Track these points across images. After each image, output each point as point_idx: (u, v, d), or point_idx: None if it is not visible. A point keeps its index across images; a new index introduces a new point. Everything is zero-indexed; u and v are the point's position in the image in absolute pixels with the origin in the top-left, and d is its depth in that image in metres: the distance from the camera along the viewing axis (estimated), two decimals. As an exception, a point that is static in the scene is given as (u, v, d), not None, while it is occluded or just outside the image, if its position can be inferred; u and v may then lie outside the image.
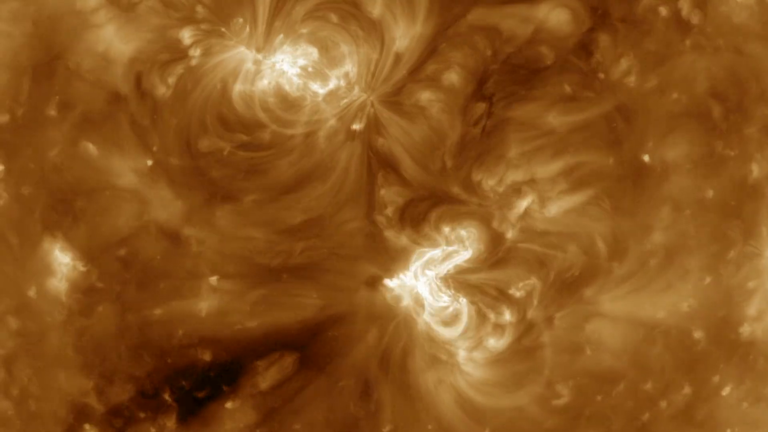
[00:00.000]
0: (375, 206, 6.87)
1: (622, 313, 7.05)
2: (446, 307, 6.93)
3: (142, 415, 6.93)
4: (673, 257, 7.07)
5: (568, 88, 6.87)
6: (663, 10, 6.95)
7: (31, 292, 6.82)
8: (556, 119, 6.87)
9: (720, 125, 7.05)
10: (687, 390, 7.15)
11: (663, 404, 7.14)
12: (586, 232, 6.96)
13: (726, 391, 7.21)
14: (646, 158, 6.97)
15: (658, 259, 7.04)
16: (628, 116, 6.96)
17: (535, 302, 6.93)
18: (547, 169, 6.88)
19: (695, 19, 6.97)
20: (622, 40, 6.93)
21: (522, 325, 6.96)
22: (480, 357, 6.98)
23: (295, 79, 6.80)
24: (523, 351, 7.00)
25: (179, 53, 6.76)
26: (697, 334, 7.14)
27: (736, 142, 7.08)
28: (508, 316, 6.90)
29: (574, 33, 6.89)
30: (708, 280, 7.11)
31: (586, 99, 6.91)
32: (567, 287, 6.98)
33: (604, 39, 6.93)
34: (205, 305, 6.83)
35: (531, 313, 6.96)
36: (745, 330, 7.18)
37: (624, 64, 6.92)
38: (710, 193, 7.08)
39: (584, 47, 6.91)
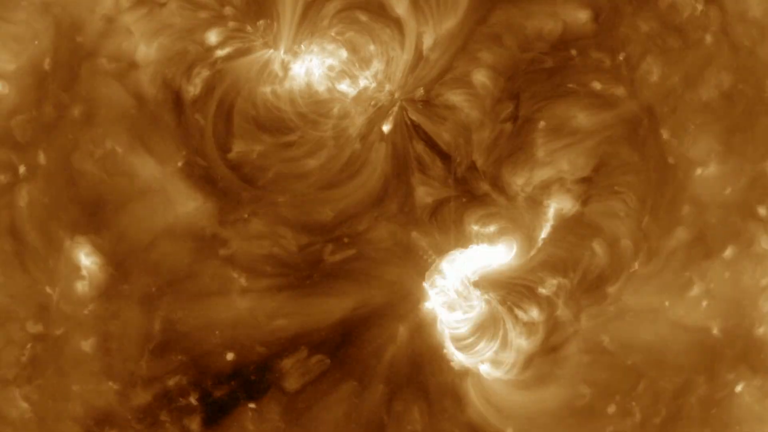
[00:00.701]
0: (405, 206, 6.86)
1: (644, 311, 7.08)
2: (474, 307, 6.93)
3: (165, 418, 6.88)
4: (693, 255, 7.10)
5: (597, 86, 6.89)
6: (683, 6, 6.99)
7: (55, 294, 6.76)
8: (583, 117, 6.88)
9: (738, 122, 7.10)
10: (704, 387, 7.19)
11: (680, 401, 7.18)
12: (612, 230, 6.98)
13: (739, 388, 7.26)
14: (670, 153, 7.01)
15: (679, 257, 7.08)
16: (651, 113, 6.99)
17: (563, 301, 6.95)
18: (575, 167, 6.90)
19: (713, 15, 7.02)
20: (645, 39, 6.97)
21: (549, 325, 6.97)
22: (508, 357, 6.98)
23: (324, 80, 6.78)
24: (549, 350, 7.01)
25: (206, 54, 6.73)
26: (715, 332, 7.18)
27: (750, 138, 7.13)
28: (536, 315, 6.91)
29: (599, 31, 6.91)
30: (726, 277, 7.16)
31: (612, 96, 6.93)
32: (592, 286, 7.00)
33: (628, 37, 6.95)
34: (234, 306, 6.79)
35: (558, 312, 6.97)
36: (760, 329, 7.24)
37: (648, 61, 6.95)
38: (728, 191, 7.12)
39: (609, 45, 6.93)
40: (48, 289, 6.79)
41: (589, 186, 6.91)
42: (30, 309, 6.78)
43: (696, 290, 7.11)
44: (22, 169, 6.71)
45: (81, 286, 6.77)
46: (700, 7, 6.99)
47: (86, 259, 6.75)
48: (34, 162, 6.73)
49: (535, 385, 7.06)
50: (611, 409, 7.09)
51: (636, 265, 7.01)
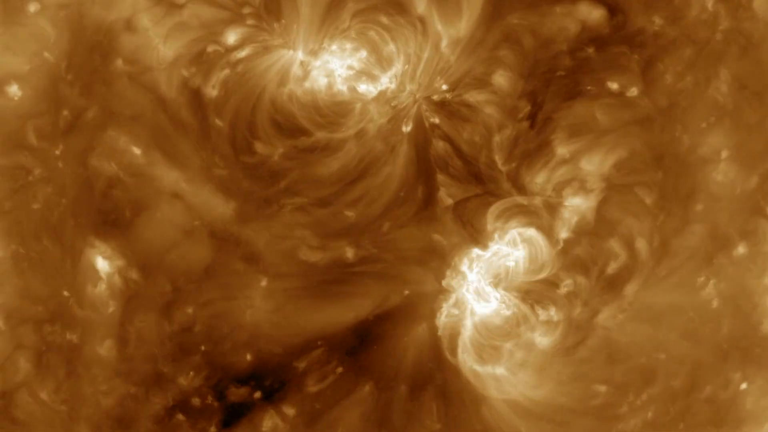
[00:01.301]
0: (426, 207, 6.87)
1: (658, 309, 7.12)
2: (495, 306, 6.95)
3: (182, 419, 6.86)
4: (705, 253, 7.15)
5: (614, 85, 6.92)
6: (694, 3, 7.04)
7: (72, 297, 6.73)
8: (601, 116, 6.91)
9: (750, 120, 7.16)
10: (712, 385, 7.24)
11: (691, 399, 7.22)
12: (628, 228, 7.02)
13: (744, 386, 7.31)
14: (684, 151, 7.05)
15: (692, 256, 7.12)
16: (669, 111, 7.03)
17: (581, 300, 6.98)
18: (594, 165, 6.92)
19: (723, 12, 7.07)
20: (661, 36, 7.01)
21: (567, 323, 7.00)
22: (526, 355, 7.00)
23: (344, 81, 6.78)
24: (566, 349, 7.04)
25: (225, 55, 6.71)
26: (725, 329, 7.23)
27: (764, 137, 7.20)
28: (554, 314, 6.94)
29: (616, 30, 6.95)
30: (736, 275, 7.21)
31: (628, 95, 6.97)
32: (609, 285, 7.03)
33: (644, 35, 6.99)
34: (254, 308, 6.78)
35: (576, 311, 7.00)
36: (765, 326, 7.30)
37: (664, 59, 6.99)
38: (738, 189, 7.18)
39: (627, 44, 6.97)
40: (65, 292, 6.75)
41: (606, 184, 6.93)
42: (46, 312, 6.74)
43: (707, 289, 7.15)
44: (37, 171, 6.67)
45: (99, 289, 6.73)
46: (710, 5, 7.04)
47: (104, 261, 6.72)
48: (50, 164, 6.69)
49: (551, 384, 7.08)
50: (624, 408, 7.12)
51: (651, 264, 7.04)
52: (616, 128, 6.93)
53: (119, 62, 6.68)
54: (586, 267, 6.97)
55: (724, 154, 7.12)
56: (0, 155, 6.68)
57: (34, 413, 6.77)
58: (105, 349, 6.78)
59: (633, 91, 6.96)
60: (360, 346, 6.90)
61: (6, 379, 6.75)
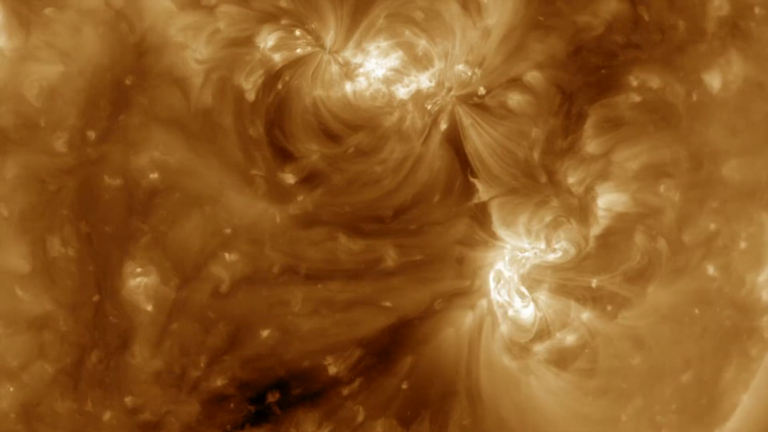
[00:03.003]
0: (462, 205, 6.87)
1: (676, 306, 7.24)
2: (527, 306, 6.99)
3: (216, 423, 6.79)
4: (717, 250, 7.29)
5: (638, 80, 6.99)
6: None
7: (104, 303, 6.60)
8: (630, 112, 6.98)
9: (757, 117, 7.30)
10: (717, 377, 7.40)
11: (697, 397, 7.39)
12: (653, 227, 7.11)
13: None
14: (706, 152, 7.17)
15: (706, 253, 7.25)
16: (696, 109, 7.13)
17: (608, 298, 7.06)
18: (625, 163, 6.99)
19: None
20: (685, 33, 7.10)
21: (596, 323, 7.08)
22: (556, 358, 7.06)
23: (379, 81, 6.73)
24: (595, 348, 7.12)
25: (260, 58, 6.62)
26: (727, 322, 7.39)
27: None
28: (586, 315, 7.02)
29: (647, 26, 7.01)
30: (743, 272, 7.38)
31: (660, 92, 7.04)
32: (633, 283, 7.12)
33: (667, 29, 7.06)
34: (290, 311, 6.73)
35: (605, 311, 7.08)
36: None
37: (689, 53, 7.06)
38: (750, 185, 7.32)
39: (651, 39, 7.03)
40: (95, 297, 6.61)
41: (636, 182, 7.02)
42: (77, 317, 6.60)
43: (715, 284, 7.30)
44: (70, 178, 6.52)
45: (134, 295, 6.60)
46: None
47: (139, 267, 6.58)
48: (83, 168, 6.53)
49: (575, 383, 7.17)
50: (637, 403, 7.25)
51: (671, 262, 7.15)
52: (644, 123, 7.00)
53: (154, 66, 6.54)
54: (612, 266, 7.04)
55: (737, 149, 7.24)
56: (30, 160, 6.48)
57: (62, 419, 6.63)
58: (137, 355, 6.66)
59: (660, 85, 7.02)
60: (393, 349, 6.90)
61: (32, 385, 6.59)
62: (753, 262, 7.34)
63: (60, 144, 6.52)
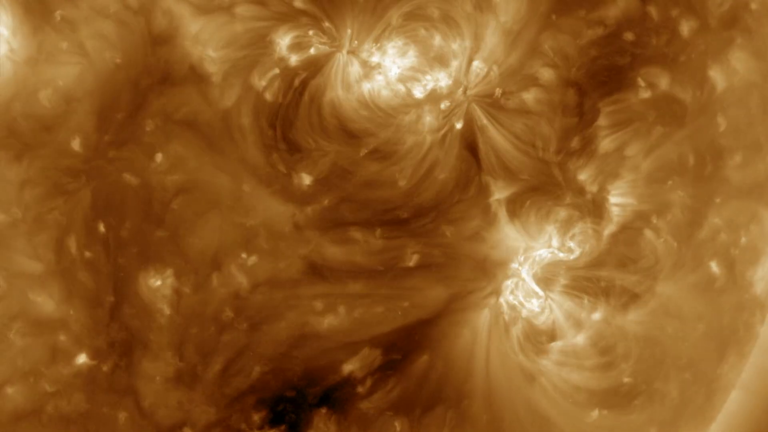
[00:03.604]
0: (477, 204, 6.89)
1: (683, 302, 7.30)
2: (542, 305, 7.02)
3: (237, 427, 6.78)
4: (722, 247, 7.35)
5: (649, 77, 7.03)
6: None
7: (125, 306, 6.56)
8: (640, 106, 7.01)
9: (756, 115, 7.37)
10: (714, 372, 7.49)
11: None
12: (660, 225, 7.15)
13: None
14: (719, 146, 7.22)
15: (712, 250, 7.31)
16: (702, 106, 7.19)
17: (619, 295, 7.11)
18: (636, 160, 7.04)
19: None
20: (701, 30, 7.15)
21: (607, 321, 7.12)
22: (570, 358, 7.10)
23: (395, 81, 6.72)
24: (607, 348, 7.16)
25: (276, 59, 6.59)
26: (727, 318, 7.47)
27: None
28: (598, 314, 7.06)
29: (659, 24, 7.04)
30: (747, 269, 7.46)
31: (668, 88, 7.09)
32: (643, 280, 7.16)
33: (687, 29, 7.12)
34: (310, 314, 6.72)
35: (615, 309, 7.12)
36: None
37: (698, 46, 7.11)
38: (751, 181, 7.39)
39: (661, 38, 7.07)
40: (111, 299, 6.57)
41: (645, 179, 7.06)
42: (94, 319, 6.55)
43: (719, 282, 7.36)
44: (89, 180, 6.47)
45: (152, 298, 6.56)
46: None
47: (157, 268, 6.55)
48: (100, 170, 6.48)
49: (587, 381, 7.21)
50: (643, 399, 7.31)
51: (677, 259, 7.21)
52: (657, 122, 7.04)
53: (170, 68, 6.49)
54: (624, 263, 7.08)
55: (742, 147, 7.30)
56: (47, 162, 6.43)
57: (77, 421, 6.59)
58: (153, 356, 6.62)
59: (670, 84, 7.07)
60: (413, 349, 6.90)
61: (47, 387, 6.55)
62: (752, 260, 7.43)
63: (76, 145, 6.47)
